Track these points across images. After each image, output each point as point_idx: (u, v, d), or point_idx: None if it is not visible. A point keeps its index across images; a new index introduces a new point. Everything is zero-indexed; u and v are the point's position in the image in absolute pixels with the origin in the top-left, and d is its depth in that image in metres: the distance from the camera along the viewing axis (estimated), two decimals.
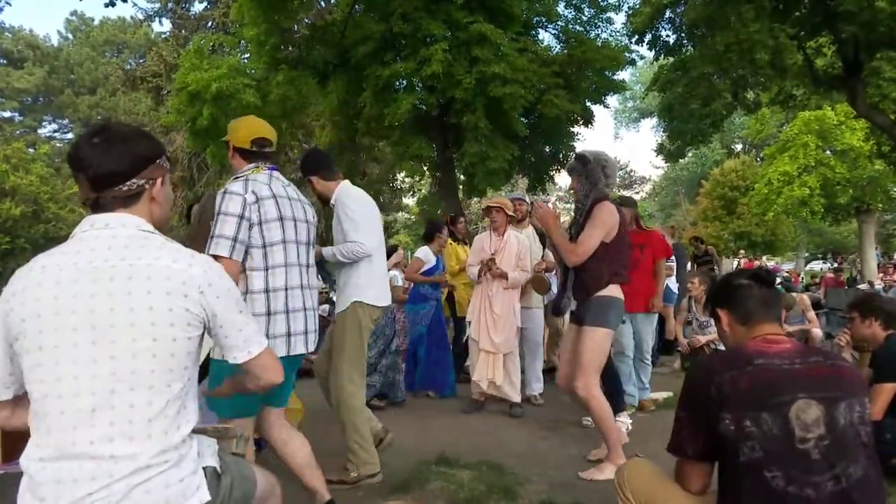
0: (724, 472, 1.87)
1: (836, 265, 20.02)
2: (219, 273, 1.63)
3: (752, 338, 1.96)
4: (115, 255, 1.49)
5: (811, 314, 7.39)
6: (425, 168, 15.29)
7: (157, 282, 1.48)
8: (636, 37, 13.01)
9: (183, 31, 21.36)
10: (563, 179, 32.92)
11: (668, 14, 12.45)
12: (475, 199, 22.86)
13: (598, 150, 3.91)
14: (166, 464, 1.45)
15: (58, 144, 37.17)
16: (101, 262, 1.48)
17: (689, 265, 8.85)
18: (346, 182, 3.69)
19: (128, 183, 1.59)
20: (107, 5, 9.92)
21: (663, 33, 13.01)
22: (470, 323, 5.44)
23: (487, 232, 5.59)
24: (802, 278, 24.63)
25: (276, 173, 2.85)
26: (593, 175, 3.77)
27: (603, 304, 3.68)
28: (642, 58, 13.91)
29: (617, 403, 4.37)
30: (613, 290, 3.72)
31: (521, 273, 5.33)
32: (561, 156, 14.20)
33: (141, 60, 28.44)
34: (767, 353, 1.87)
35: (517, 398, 5.34)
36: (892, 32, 9.30)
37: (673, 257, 6.90)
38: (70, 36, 41.82)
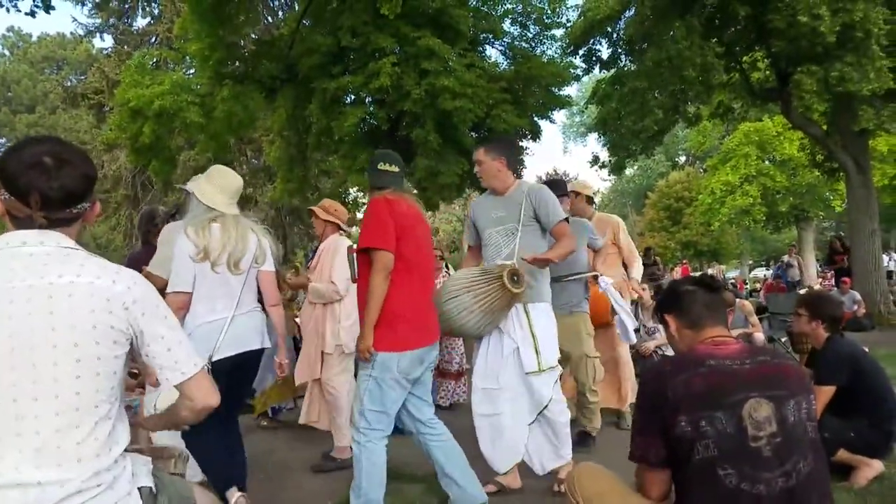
0: (679, 474, 1.89)
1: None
2: (145, 289, 1.56)
3: (700, 341, 2.01)
4: (33, 275, 1.42)
5: (754, 318, 7.59)
6: None
7: (80, 299, 1.42)
8: (571, 48, 13.26)
9: (126, 47, 20.91)
10: None
11: (606, 28, 12.74)
12: (429, 213, 22.88)
13: None
14: (99, 487, 1.41)
15: None
16: (19, 283, 1.40)
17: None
18: None
19: (80, 205, 1.55)
20: (28, 14, 9.57)
21: (598, 47, 13.28)
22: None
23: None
24: (748, 284, 25.41)
25: None
26: None
27: None
28: (586, 72, 14.16)
29: None
30: None
31: (326, 285, 4.20)
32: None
33: (82, 77, 27.69)
34: (718, 354, 1.92)
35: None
36: (814, 48, 9.73)
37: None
38: (7, 52, 40.42)
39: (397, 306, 2.90)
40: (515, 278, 3.28)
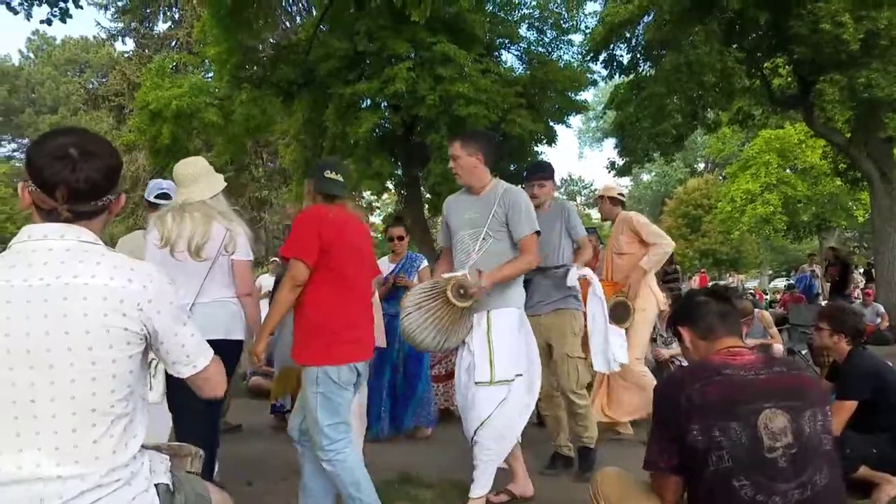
0: (693, 483, 1.89)
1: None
2: (160, 287, 1.56)
3: (715, 351, 2.00)
4: (50, 273, 1.42)
5: (773, 330, 7.43)
6: (391, 186, 15.35)
7: (94, 302, 1.42)
8: (591, 55, 13.19)
9: (147, 51, 21.20)
10: None
11: (625, 33, 12.65)
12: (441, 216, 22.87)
13: None
14: (118, 482, 1.43)
15: (17, 164, 36.34)
16: (37, 281, 1.40)
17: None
18: None
19: (105, 197, 1.54)
20: (43, 22, 9.63)
21: (618, 52, 13.22)
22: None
23: None
24: (767, 294, 25.03)
25: None
26: None
27: None
28: (604, 78, 14.11)
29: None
30: None
31: None
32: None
33: (103, 79, 28.05)
34: (733, 364, 1.91)
35: None
36: (838, 55, 9.57)
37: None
38: (31, 55, 41.23)
39: (329, 319, 2.83)
40: (462, 291, 3.02)
